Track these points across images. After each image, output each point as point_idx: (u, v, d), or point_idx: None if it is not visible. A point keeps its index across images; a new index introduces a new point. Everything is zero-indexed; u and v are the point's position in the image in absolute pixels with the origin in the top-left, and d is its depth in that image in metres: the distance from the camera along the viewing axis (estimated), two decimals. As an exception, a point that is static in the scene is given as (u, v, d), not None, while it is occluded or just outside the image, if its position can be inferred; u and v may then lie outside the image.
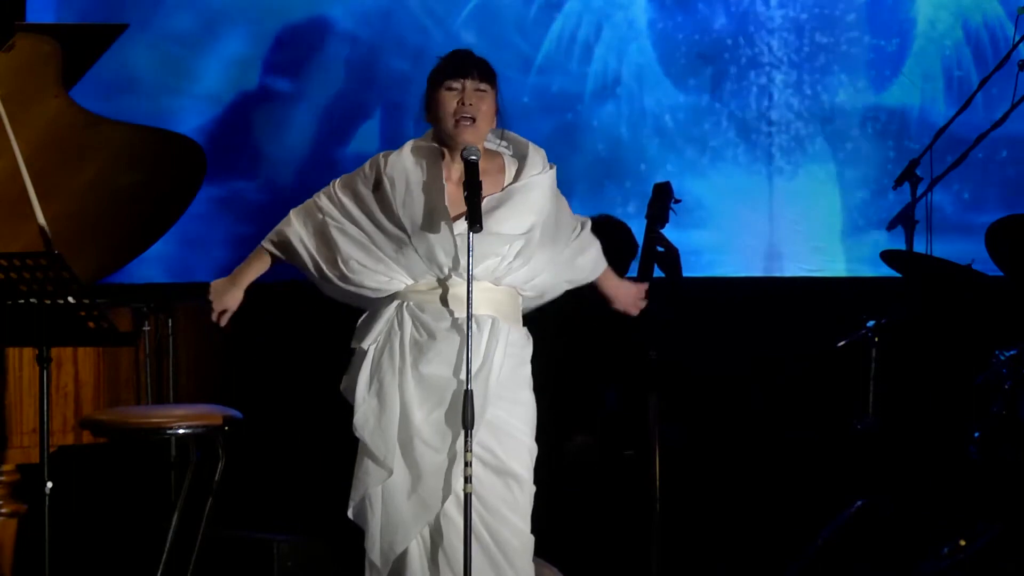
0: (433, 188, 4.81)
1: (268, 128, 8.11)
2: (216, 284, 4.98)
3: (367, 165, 4.91)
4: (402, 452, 4.79)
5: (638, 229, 6.87)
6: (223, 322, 4.96)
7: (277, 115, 8.11)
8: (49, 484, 5.44)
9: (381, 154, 4.91)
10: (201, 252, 8.04)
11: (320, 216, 4.90)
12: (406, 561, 4.80)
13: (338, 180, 4.95)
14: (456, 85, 4.83)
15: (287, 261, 4.98)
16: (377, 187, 4.86)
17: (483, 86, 4.84)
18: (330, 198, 4.91)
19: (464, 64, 4.85)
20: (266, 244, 4.98)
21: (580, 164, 7.89)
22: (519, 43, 7.94)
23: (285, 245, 4.95)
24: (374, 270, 4.83)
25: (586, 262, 5.04)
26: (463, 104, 4.81)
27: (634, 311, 5.21)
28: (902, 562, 6.44)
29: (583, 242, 5.03)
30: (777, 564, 6.69)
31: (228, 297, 4.94)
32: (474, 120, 4.81)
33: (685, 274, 6.77)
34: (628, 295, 5.20)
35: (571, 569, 5.90)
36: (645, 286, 5.23)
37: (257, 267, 5.00)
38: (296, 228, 4.94)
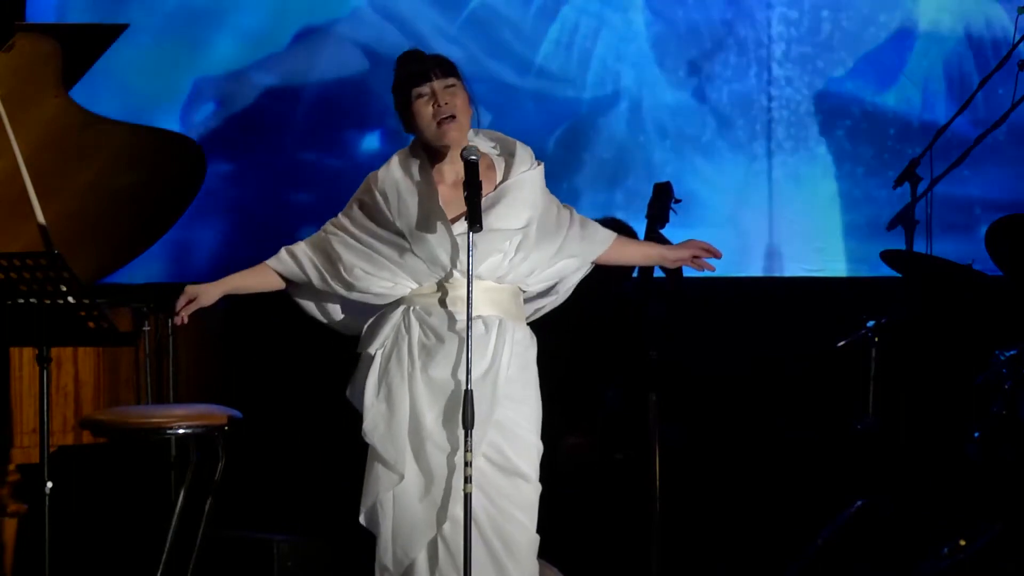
0: (427, 192, 4.81)
1: (272, 129, 8.10)
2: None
3: (360, 189, 4.91)
4: (414, 456, 4.78)
5: (639, 229, 6.87)
6: (183, 314, 4.85)
7: (283, 117, 8.10)
8: (49, 484, 5.44)
9: (371, 174, 4.90)
10: (202, 252, 8.03)
11: (323, 235, 4.90)
12: (414, 562, 4.79)
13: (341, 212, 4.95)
14: (424, 91, 4.79)
15: (288, 277, 4.93)
16: (373, 202, 4.85)
17: (450, 81, 4.81)
18: (333, 223, 4.92)
19: (424, 67, 4.81)
20: (269, 261, 4.95)
21: (581, 166, 7.89)
22: (517, 48, 7.94)
23: (291, 258, 4.91)
24: (378, 276, 4.83)
25: (586, 235, 5.00)
26: (438, 106, 4.78)
27: (701, 254, 5.09)
28: (902, 562, 6.44)
29: (578, 222, 5.00)
30: (777, 564, 6.69)
31: (201, 289, 4.88)
32: (454, 117, 4.79)
33: (685, 274, 6.77)
34: (681, 250, 5.12)
35: (571, 569, 5.90)
36: (704, 244, 5.11)
37: (250, 278, 4.96)
38: (302, 247, 4.94)
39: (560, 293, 5.07)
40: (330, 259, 4.87)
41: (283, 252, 4.95)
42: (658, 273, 6.65)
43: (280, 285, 4.98)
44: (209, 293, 4.89)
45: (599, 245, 5.04)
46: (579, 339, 6.88)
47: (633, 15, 7.88)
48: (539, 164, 4.93)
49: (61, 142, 6.22)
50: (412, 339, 4.81)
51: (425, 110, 4.79)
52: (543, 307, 5.05)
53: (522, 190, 4.85)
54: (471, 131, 4.90)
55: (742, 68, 7.81)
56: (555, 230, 4.91)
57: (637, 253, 5.24)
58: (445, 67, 4.82)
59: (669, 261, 5.19)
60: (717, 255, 5.10)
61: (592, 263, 5.07)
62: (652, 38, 7.88)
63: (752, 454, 7.28)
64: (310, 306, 5.01)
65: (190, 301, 4.88)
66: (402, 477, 4.77)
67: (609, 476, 6.74)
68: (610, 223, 6.94)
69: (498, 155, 4.93)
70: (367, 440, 4.81)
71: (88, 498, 7.16)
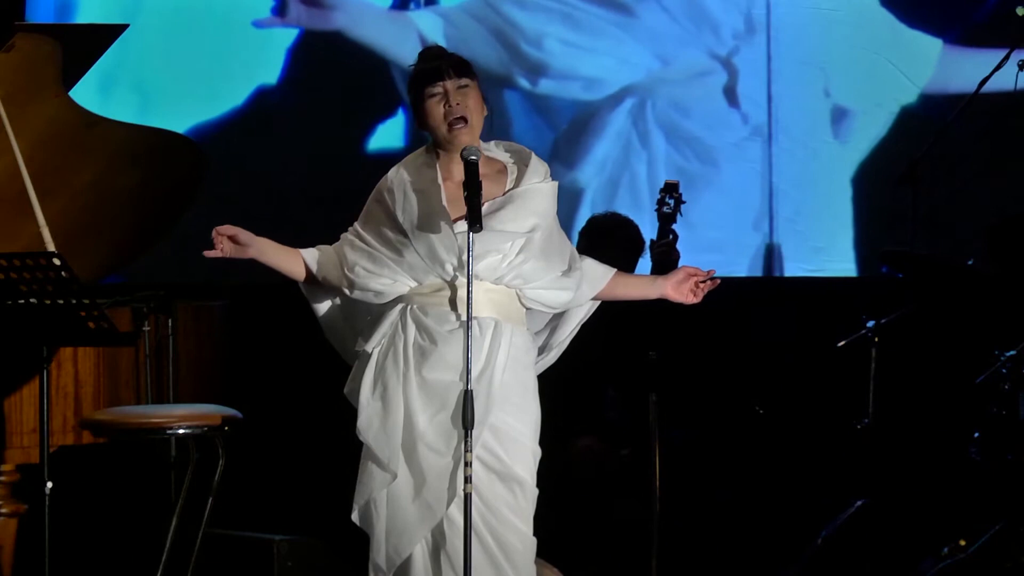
0: (431, 190, 4.80)
1: (277, 127, 8.10)
2: None
3: (374, 190, 4.90)
4: (406, 456, 4.77)
5: (641, 226, 6.89)
6: (222, 235, 4.76)
7: (286, 114, 8.10)
8: (49, 484, 5.44)
9: (385, 175, 4.89)
10: (201, 252, 8.01)
11: (341, 239, 4.90)
12: (410, 562, 4.79)
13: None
14: (437, 90, 4.77)
15: (311, 269, 4.89)
16: (380, 202, 4.85)
17: (463, 82, 4.78)
18: (351, 228, 4.90)
19: (438, 66, 4.78)
20: (302, 249, 4.90)
21: (582, 164, 7.89)
22: (522, 47, 7.94)
23: (320, 253, 4.88)
24: (378, 274, 4.82)
25: (587, 272, 4.98)
26: (450, 107, 4.76)
27: (693, 298, 4.97)
28: (902, 562, 6.45)
29: (578, 259, 4.97)
30: (777, 564, 6.70)
31: (242, 229, 4.81)
32: (466, 120, 4.77)
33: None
34: (679, 283, 4.97)
35: (571, 569, 5.90)
36: (692, 269, 4.99)
37: (281, 253, 4.86)
38: (330, 247, 4.91)
39: (554, 349, 5.04)
40: (340, 260, 4.87)
41: (316, 247, 4.92)
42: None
43: (299, 276, 4.92)
44: (252, 238, 4.79)
45: (603, 279, 4.97)
46: (579, 340, 6.88)
47: (632, 11, 7.89)
48: (553, 182, 4.90)
49: (61, 142, 6.22)
50: (408, 339, 4.80)
51: (436, 110, 4.77)
52: (538, 366, 5.01)
53: (532, 199, 4.82)
54: (492, 142, 4.89)
55: (742, 67, 7.82)
56: (559, 251, 4.87)
57: (637, 288, 5.09)
58: (459, 67, 4.79)
59: (671, 298, 5.06)
60: (715, 281, 5.01)
61: (593, 299, 5.02)
62: (652, 35, 7.88)
63: (752, 454, 7.28)
64: (324, 319, 4.99)
65: (231, 233, 4.78)
66: (395, 476, 4.76)
67: (616, 474, 6.74)
68: (613, 218, 6.98)
69: (513, 163, 4.91)
70: (361, 438, 4.80)
71: (88, 498, 7.16)
